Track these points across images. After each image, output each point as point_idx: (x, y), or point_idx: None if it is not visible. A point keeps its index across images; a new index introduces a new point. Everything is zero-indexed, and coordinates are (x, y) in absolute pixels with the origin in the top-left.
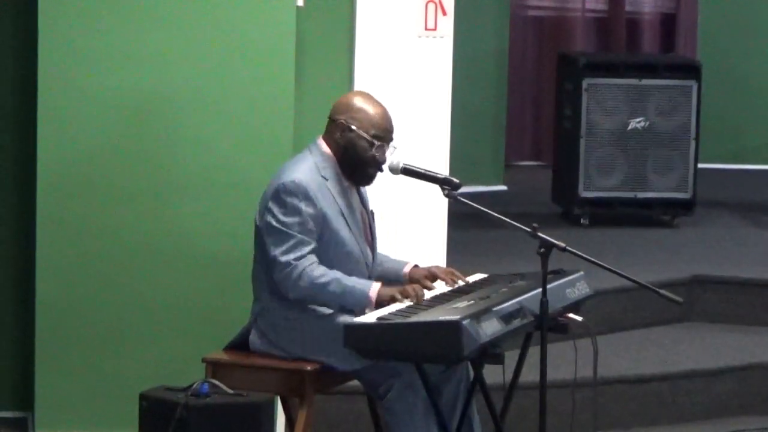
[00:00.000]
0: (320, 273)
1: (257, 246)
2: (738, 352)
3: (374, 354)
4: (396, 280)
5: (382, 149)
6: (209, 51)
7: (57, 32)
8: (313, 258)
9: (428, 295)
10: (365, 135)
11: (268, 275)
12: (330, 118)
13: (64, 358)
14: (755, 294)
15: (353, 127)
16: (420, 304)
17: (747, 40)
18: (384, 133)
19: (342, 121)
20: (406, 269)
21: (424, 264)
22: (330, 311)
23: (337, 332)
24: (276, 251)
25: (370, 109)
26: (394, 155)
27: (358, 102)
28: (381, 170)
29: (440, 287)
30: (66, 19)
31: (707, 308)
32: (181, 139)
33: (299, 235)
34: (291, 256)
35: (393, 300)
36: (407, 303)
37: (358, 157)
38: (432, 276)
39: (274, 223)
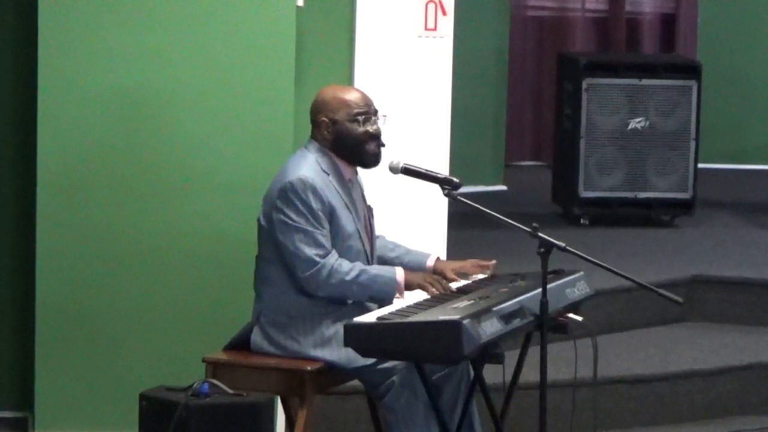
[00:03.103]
0: (348, 268)
1: (262, 245)
2: (738, 352)
3: (374, 354)
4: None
5: (371, 121)
6: (209, 50)
7: (57, 32)
8: (335, 253)
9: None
10: (349, 118)
11: (285, 271)
12: (312, 121)
13: (64, 358)
14: (755, 294)
15: (336, 118)
16: (437, 298)
17: (747, 40)
18: (365, 108)
19: (323, 118)
20: (430, 262)
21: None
22: (331, 309)
23: (339, 330)
24: (296, 249)
25: (343, 95)
26: (385, 123)
27: (329, 94)
28: (382, 144)
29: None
30: (66, 18)
31: (707, 308)
32: (181, 139)
33: (315, 230)
34: (313, 252)
35: (419, 287)
36: (434, 292)
37: (351, 139)
38: (458, 269)
39: (288, 221)
